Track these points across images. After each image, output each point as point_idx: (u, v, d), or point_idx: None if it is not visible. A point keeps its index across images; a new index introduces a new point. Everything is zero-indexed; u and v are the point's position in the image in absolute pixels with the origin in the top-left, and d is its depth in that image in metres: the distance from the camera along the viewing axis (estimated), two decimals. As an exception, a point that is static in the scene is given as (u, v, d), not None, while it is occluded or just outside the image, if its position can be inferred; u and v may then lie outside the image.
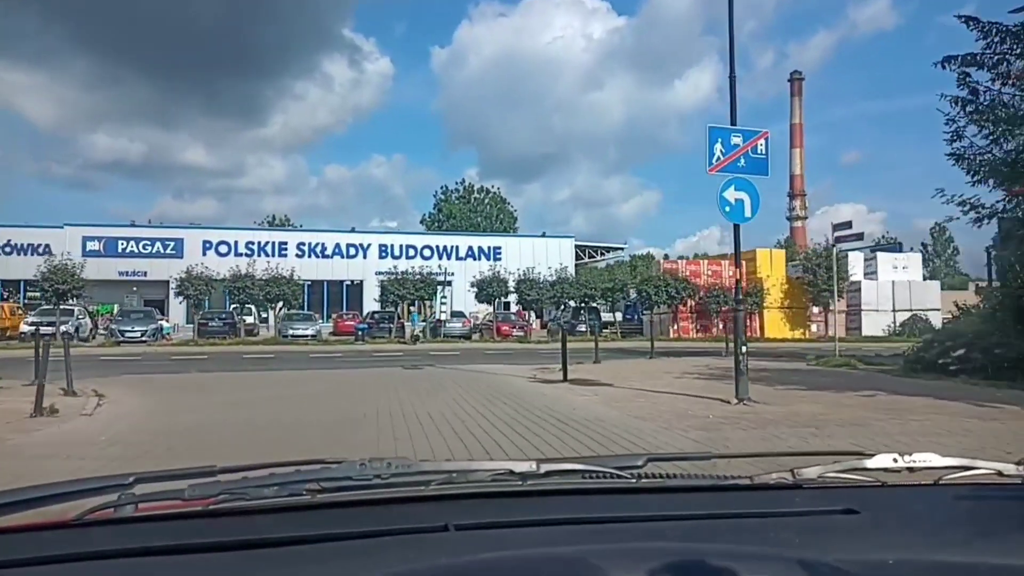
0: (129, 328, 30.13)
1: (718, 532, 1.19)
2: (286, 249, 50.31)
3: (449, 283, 34.08)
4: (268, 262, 35.45)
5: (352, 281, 52.40)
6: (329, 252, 51.44)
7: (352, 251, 51.79)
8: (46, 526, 1.09)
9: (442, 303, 33.35)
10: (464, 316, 36.17)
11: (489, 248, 52.71)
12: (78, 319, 32.13)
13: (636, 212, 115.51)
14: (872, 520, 1.23)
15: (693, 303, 36.26)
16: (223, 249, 47.87)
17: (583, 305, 35.29)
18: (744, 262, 36.46)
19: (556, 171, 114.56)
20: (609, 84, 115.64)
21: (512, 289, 33.98)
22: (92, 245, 48.22)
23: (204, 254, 46.85)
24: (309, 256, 50.99)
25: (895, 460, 1.36)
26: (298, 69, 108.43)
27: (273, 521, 1.11)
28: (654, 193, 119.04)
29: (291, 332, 32.32)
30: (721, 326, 36.89)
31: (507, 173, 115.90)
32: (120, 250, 47.73)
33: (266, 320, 36.86)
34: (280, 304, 32.20)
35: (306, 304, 50.44)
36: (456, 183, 77.56)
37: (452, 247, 52.09)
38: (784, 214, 76.14)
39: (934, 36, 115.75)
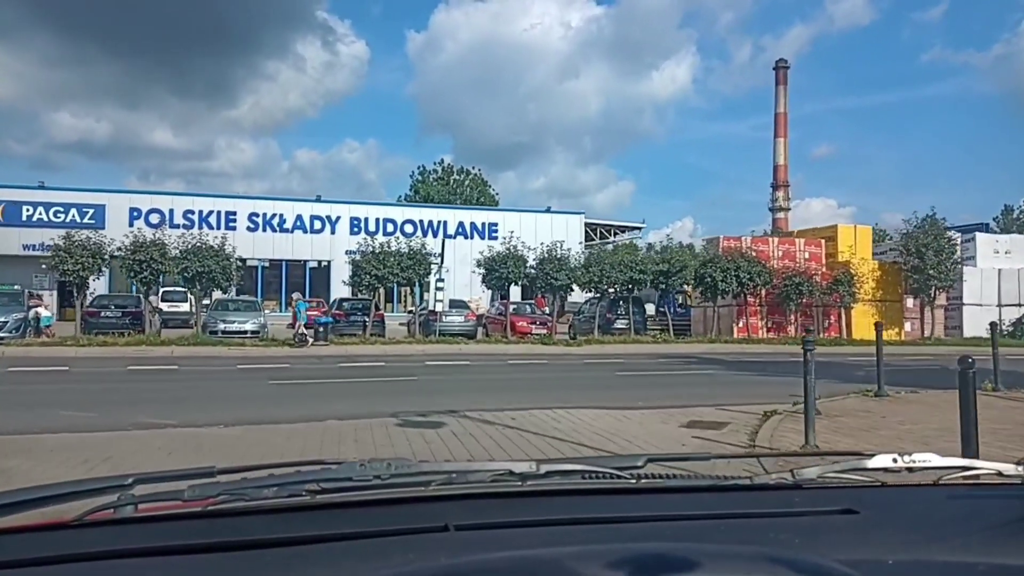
0: (-24, 319, 19.85)
1: (718, 533, 1.16)
2: (235, 220, 39.88)
3: (439, 262, 24.08)
4: (208, 235, 25.09)
5: (318, 262, 42.23)
6: (289, 225, 41.10)
7: (317, 224, 41.49)
8: (46, 527, 1.07)
9: (439, 287, 23.45)
10: (466, 307, 26.34)
11: (483, 224, 42.81)
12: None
13: (610, 202, 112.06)
14: (872, 520, 1.20)
15: (765, 293, 26.90)
16: (154, 218, 37.34)
17: (625, 294, 25.66)
18: (821, 241, 26.84)
19: (531, 160, 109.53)
20: (585, 73, 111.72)
21: (533, 270, 24.27)
22: (-14, 211, 37.43)
23: (131, 224, 36.32)
24: (264, 229, 40.62)
25: (895, 460, 1.33)
26: (270, 49, 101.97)
27: (273, 522, 1.09)
28: (628, 184, 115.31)
29: (222, 327, 22.24)
30: (797, 323, 27.66)
31: (482, 161, 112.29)
32: (24, 217, 36.97)
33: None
34: (200, 288, 22.10)
35: (259, 290, 40.28)
36: (435, 163, 68.17)
37: (440, 222, 42.05)
38: (767, 205, 71.30)
39: (908, 32, 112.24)
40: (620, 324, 25.86)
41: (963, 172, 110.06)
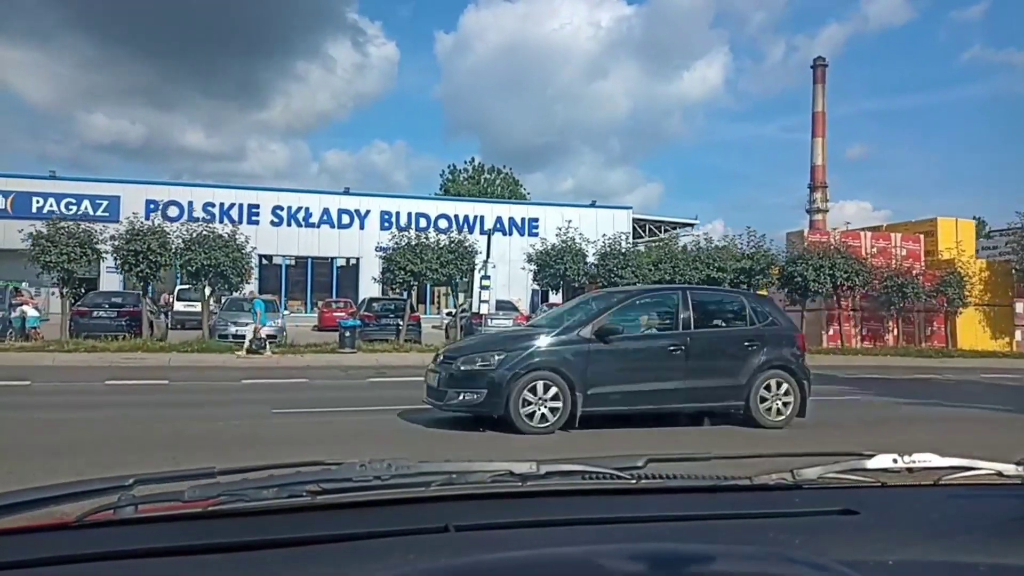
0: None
1: (718, 533, 1.15)
2: (258, 214, 36.69)
3: (486, 256, 20.35)
4: (217, 227, 21.57)
5: (346, 259, 38.85)
6: (315, 220, 37.79)
7: (345, 219, 38.12)
8: (47, 527, 1.05)
9: (484, 286, 19.74)
10: (515, 309, 22.63)
11: (523, 220, 39.14)
12: None
13: (638, 205, 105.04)
14: (872, 521, 1.19)
15: (859, 296, 22.84)
16: (173, 211, 34.06)
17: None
18: (920, 236, 22.47)
19: (559, 161, 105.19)
20: (614, 74, 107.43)
21: (596, 266, 20.44)
22: (-6, 201, 34.58)
23: (147, 217, 33.34)
24: (289, 224, 37.37)
25: (895, 461, 1.32)
26: (301, 50, 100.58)
27: (273, 522, 1.08)
28: (656, 186, 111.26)
29: (233, 330, 18.74)
30: (896, 332, 23.53)
31: (509, 162, 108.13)
32: (35, 208, 33.93)
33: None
34: (207, 284, 18.60)
35: (283, 289, 37.01)
36: (465, 162, 64.96)
37: (476, 217, 38.45)
38: (803, 207, 67.86)
39: (947, 31, 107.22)
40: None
41: (1002, 174, 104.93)
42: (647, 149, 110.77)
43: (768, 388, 8.53)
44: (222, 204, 36.11)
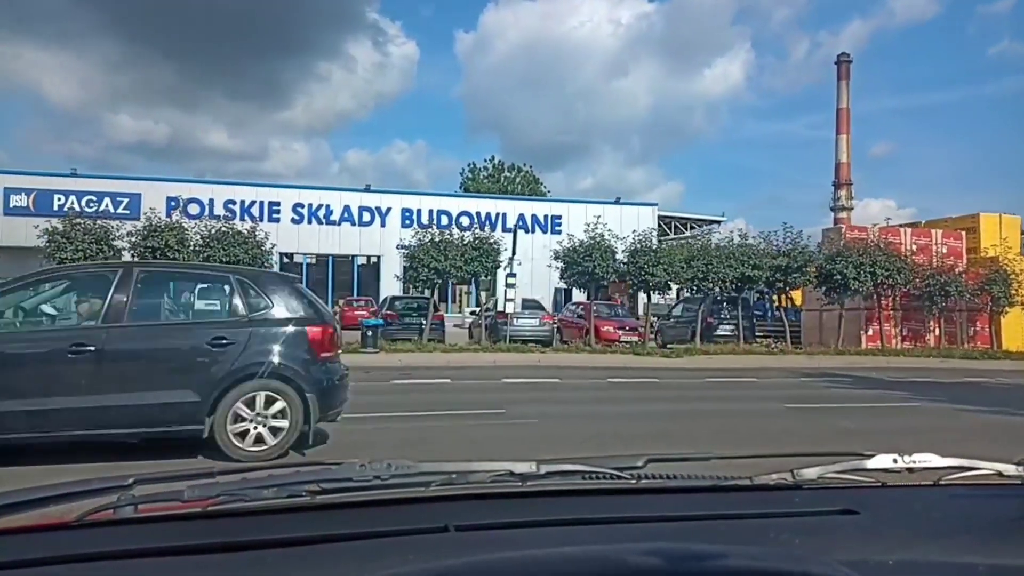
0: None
1: (718, 533, 1.14)
2: (278, 211, 36.21)
3: (511, 253, 19.60)
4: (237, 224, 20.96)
5: (367, 257, 38.32)
6: (336, 217, 37.25)
7: (366, 216, 37.55)
8: (47, 527, 1.05)
9: (509, 284, 19.00)
10: (541, 307, 21.86)
11: (546, 217, 38.35)
12: None
13: (660, 204, 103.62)
14: (872, 520, 1.19)
15: (900, 294, 21.83)
16: (193, 209, 33.65)
17: (733, 295, 20.87)
18: (962, 233, 21.38)
19: (579, 160, 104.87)
20: (635, 71, 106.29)
21: (625, 263, 19.59)
22: (17, 200, 34.39)
23: (168, 214, 33.01)
24: (310, 222, 36.85)
25: (895, 461, 1.31)
26: (322, 50, 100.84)
27: (272, 522, 1.07)
28: (677, 184, 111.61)
29: (252, 329, 18.17)
30: (938, 332, 22.49)
31: (529, 160, 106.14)
32: (56, 207, 33.66)
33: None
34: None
35: (305, 286, 36.57)
36: (485, 160, 64.32)
37: (498, 214, 37.73)
38: (828, 205, 67.36)
39: (974, 26, 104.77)
40: (723, 330, 21.08)
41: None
42: (668, 147, 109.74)
43: (250, 406, 6.10)
44: (243, 202, 35.69)
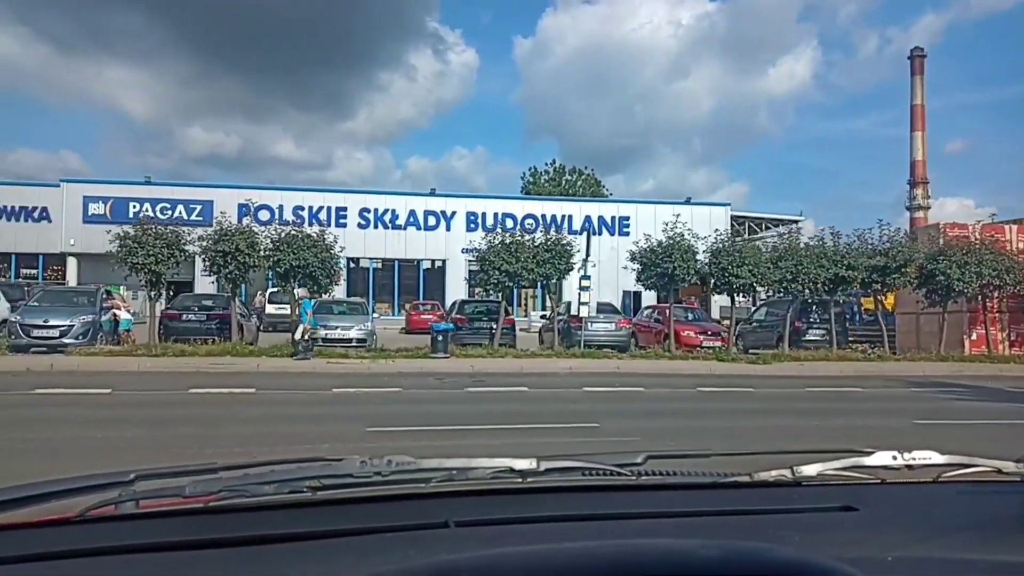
0: (39, 322, 16.06)
1: (717, 529, 1.13)
2: (345, 216, 36.17)
3: (585, 255, 18.64)
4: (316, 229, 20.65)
5: (431, 261, 37.93)
6: (401, 222, 37.00)
7: (432, 220, 37.19)
8: (49, 522, 1.05)
9: (583, 287, 18.05)
10: (617, 312, 20.80)
11: (613, 218, 37.25)
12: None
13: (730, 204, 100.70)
14: (871, 517, 1.18)
15: (1007, 296, 19.95)
16: (264, 215, 33.79)
17: (824, 297, 19.39)
18: None
19: (639, 163, 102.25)
20: (696, 72, 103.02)
21: (706, 264, 18.38)
22: (95, 208, 35.22)
23: (239, 220, 33.28)
24: (376, 226, 36.70)
25: (894, 458, 1.30)
26: (384, 60, 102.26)
27: (274, 518, 1.07)
28: (741, 185, 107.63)
29: (323, 334, 17.74)
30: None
31: (588, 164, 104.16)
32: (132, 214, 34.21)
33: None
34: (297, 285, 17.64)
35: (371, 292, 36.32)
36: (546, 164, 63.34)
37: (564, 216, 36.84)
38: (904, 203, 64.17)
39: None
40: (812, 335, 19.63)
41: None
42: (731, 148, 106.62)
43: None
44: (311, 207, 35.76)
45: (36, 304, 17.29)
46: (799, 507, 1.23)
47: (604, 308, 20.06)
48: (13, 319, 16.54)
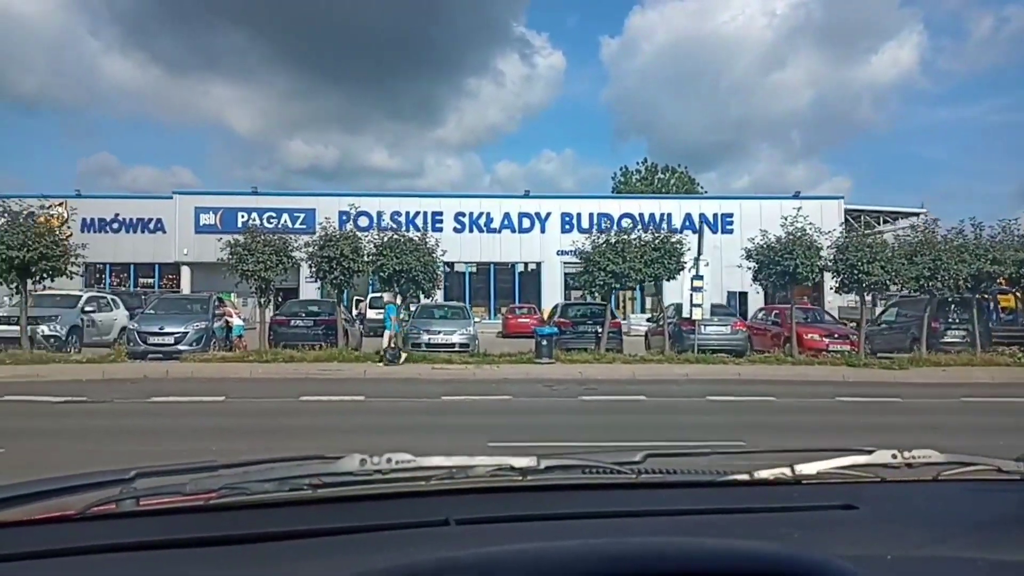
0: (155, 329, 16.44)
1: (717, 527, 1.13)
2: (441, 221, 36.12)
3: (697, 254, 17.49)
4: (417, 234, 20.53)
5: (524, 264, 37.41)
6: (496, 225, 36.67)
7: (526, 223, 36.67)
8: (49, 520, 1.05)
9: (695, 288, 16.96)
10: (732, 314, 19.54)
11: (715, 215, 35.63)
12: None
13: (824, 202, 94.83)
14: (871, 516, 1.18)
15: None
16: (363, 221, 34.23)
17: (963, 294, 17.52)
18: None
19: (733, 159, 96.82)
20: (793, 63, 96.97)
21: (835, 260, 16.88)
22: (206, 218, 36.59)
23: (341, 227, 33.90)
24: (471, 230, 36.50)
25: (894, 456, 1.30)
26: (472, 67, 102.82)
27: (274, 515, 1.07)
28: (843, 179, 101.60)
29: (426, 339, 17.41)
30: None
31: (679, 162, 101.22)
32: (240, 223, 35.33)
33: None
34: (399, 290, 17.35)
35: (466, 296, 36.11)
36: (637, 163, 62.48)
37: (663, 215, 35.48)
38: None
39: None
40: (951, 336, 17.78)
41: None
42: (832, 141, 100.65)
43: None
44: (407, 213, 35.94)
45: (152, 312, 17.77)
46: (799, 505, 1.22)
47: (719, 310, 18.83)
48: (131, 327, 17.05)
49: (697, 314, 16.94)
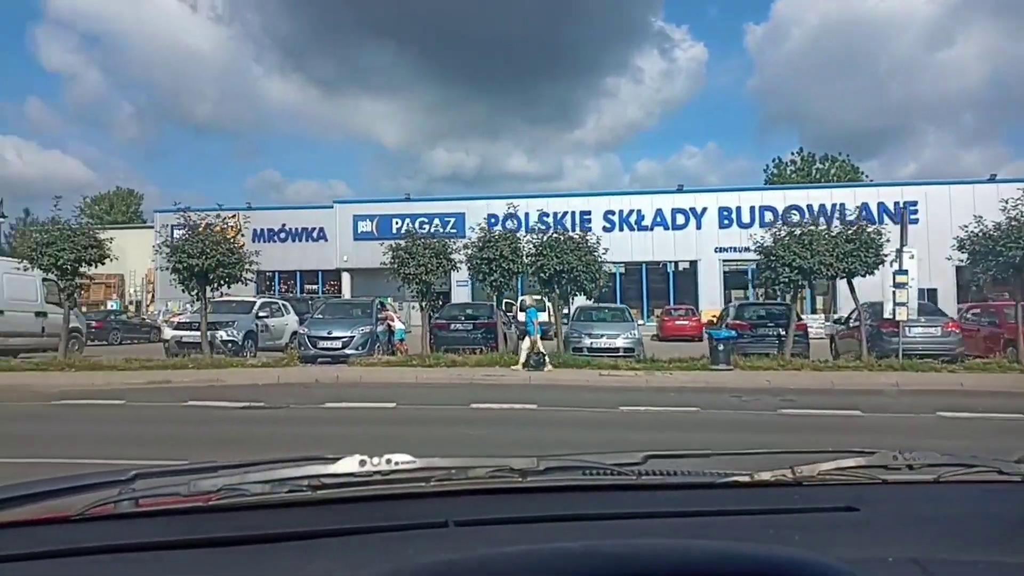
0: (324, 333, 16.57)
1: (718, 529, 1.13)
2: (590, 220, 35.03)
3: (900, 244, 15.24)
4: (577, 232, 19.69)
5: (675, 263, 35.54)
6: (647, 222, 35.10)
7: (680, 219, 34.82)
8: (49, 521, 1.05)
9: (898, 284, 14.77)
10: (942, 314, 16.97)
11: (895, 204, 32.00)
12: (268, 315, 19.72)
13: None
14: (872, 517, 1.17)
15: None
16: (510, 224, 34.00)
17: None
18: None
19: (895, 145, 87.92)
20: (963, 38, 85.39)
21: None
22: (364, 226, 37.75)
23: (490, 230, 33.74)
24: (621, 228, 35.16)
25: (895, 458, 1.30)
26: (610, 66, 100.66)
27: (273, 517, 1.07)
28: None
29: (588, 343, 16.41)
30: None
31: (838, 151, 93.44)
32: (395, 229, 36.24)
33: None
34: (559, 291, 16.40)
35: (618, 298, 34.80)
36: (792, 153, 58.13)
37: (834, 205, 32.36)
38: None
39: None
40: None
41: None
42: (1012, 120, 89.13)
43: None
44: (555, 213, 35.18)
45: (320, 317, 18.04)
46: (800, 507, 1.21)
47: (926, 308, 16.40)
48: (302, 331, 17.34)
49: (901, 314, 14.74)
